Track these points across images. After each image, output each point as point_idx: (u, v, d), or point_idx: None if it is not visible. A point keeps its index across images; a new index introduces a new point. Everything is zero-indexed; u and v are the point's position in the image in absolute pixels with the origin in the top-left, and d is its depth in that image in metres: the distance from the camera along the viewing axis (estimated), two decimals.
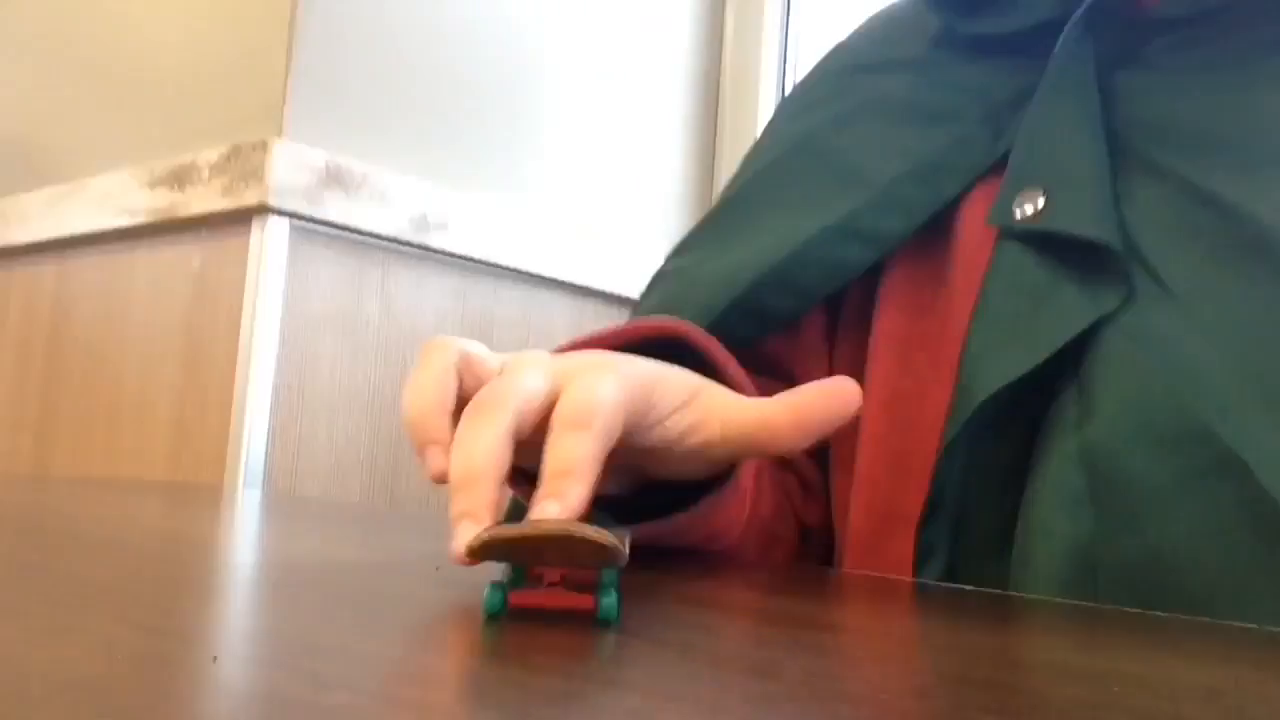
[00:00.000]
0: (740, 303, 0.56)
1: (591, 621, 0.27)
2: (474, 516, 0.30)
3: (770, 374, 0.62)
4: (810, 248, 0.55)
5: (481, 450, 0.32)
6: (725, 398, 0.40)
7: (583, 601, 0.28)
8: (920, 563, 0.47)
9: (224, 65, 1.21)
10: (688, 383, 0.40)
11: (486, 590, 0.27)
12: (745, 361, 0.60)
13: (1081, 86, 0.51)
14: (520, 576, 0.29)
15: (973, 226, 0.53)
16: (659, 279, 0.63)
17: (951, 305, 0.52)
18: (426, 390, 0.35)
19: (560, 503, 0.30)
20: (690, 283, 0.59)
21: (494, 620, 0.27)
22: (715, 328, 0.55)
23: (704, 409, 0.39)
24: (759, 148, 0.66)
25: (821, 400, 0.39)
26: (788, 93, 0.69)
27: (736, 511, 0.44)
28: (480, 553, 0.28)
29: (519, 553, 0.28)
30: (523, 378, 0.35)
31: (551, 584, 0.29)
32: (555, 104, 1.39)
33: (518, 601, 0.28)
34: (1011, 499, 0.46)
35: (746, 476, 0.45)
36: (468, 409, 0.34)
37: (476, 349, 0.37)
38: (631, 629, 0.27)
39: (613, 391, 0.34)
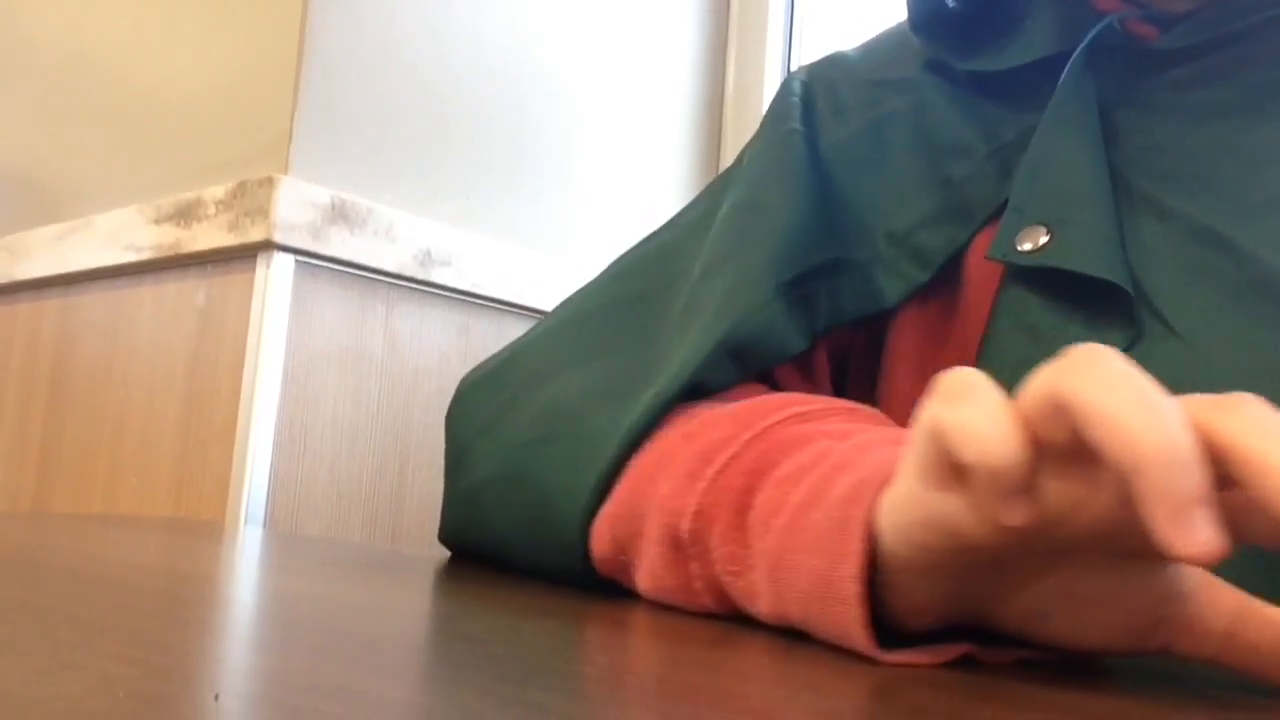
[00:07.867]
0: (793, 286, 0.51)
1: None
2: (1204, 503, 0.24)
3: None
4: (848, 267, 0.53)
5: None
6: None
7: None
8: None
9: (230, 102, 1.22)
10: None
11: None
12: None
13: (1084, 124, 0.51)
14: None
15: (981, 265, 0.52)
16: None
17: (959, 344, 0.52)
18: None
19: None
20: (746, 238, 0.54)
21: None
22: (766, 308, 0.50)
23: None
24: (768, 143, 0.61)
25: None
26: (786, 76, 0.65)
27: None
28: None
29: None
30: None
31: None
32: (560, 142, 1.40)
33: None
34: None
35: None
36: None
37: None
38: (634, 676, 0.26)
39: None
